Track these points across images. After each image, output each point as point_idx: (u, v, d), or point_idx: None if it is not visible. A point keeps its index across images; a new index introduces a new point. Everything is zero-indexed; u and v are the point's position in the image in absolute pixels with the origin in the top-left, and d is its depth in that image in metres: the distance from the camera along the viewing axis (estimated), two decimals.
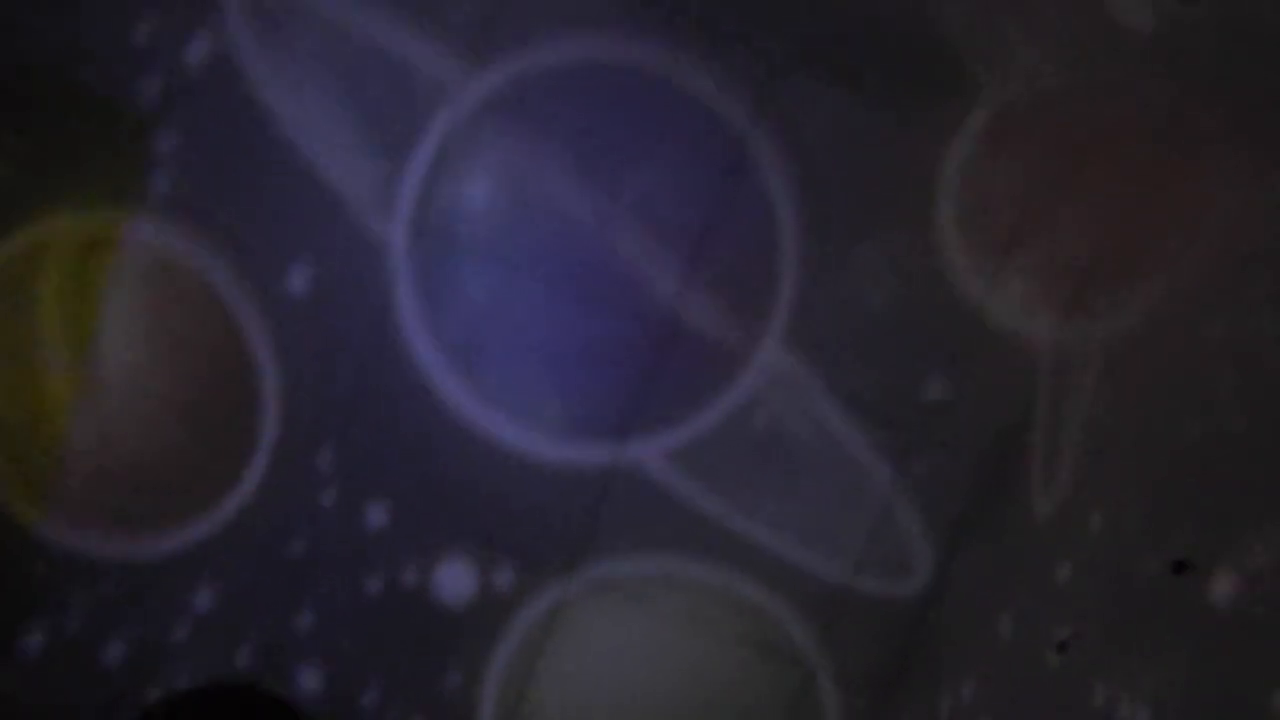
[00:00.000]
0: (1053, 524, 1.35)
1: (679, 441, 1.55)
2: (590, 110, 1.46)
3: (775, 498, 1.57)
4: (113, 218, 1.50)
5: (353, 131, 1.46)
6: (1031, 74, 1.45)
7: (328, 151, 1.47)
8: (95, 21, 1.41)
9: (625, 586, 1.59)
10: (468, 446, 1.55)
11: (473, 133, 1.47)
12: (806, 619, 1.59)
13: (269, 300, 1.52)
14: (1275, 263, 1.12)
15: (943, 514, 1.56)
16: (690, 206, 1.50)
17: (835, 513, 1.58)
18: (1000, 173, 1.50)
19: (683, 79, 1.44)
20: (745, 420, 1.54)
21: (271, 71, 1.42)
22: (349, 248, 1.50)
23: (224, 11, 1.38)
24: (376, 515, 1.58)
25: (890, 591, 1.59)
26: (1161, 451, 1.16)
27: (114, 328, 1.55)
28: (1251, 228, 1.20)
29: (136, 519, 1.62)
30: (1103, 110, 1.44)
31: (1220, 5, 1.30)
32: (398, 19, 1.42)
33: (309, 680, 1.65)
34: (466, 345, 1.53)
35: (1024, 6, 1.42)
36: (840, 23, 1.43)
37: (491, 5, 1.43)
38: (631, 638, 1.61)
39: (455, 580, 1.60)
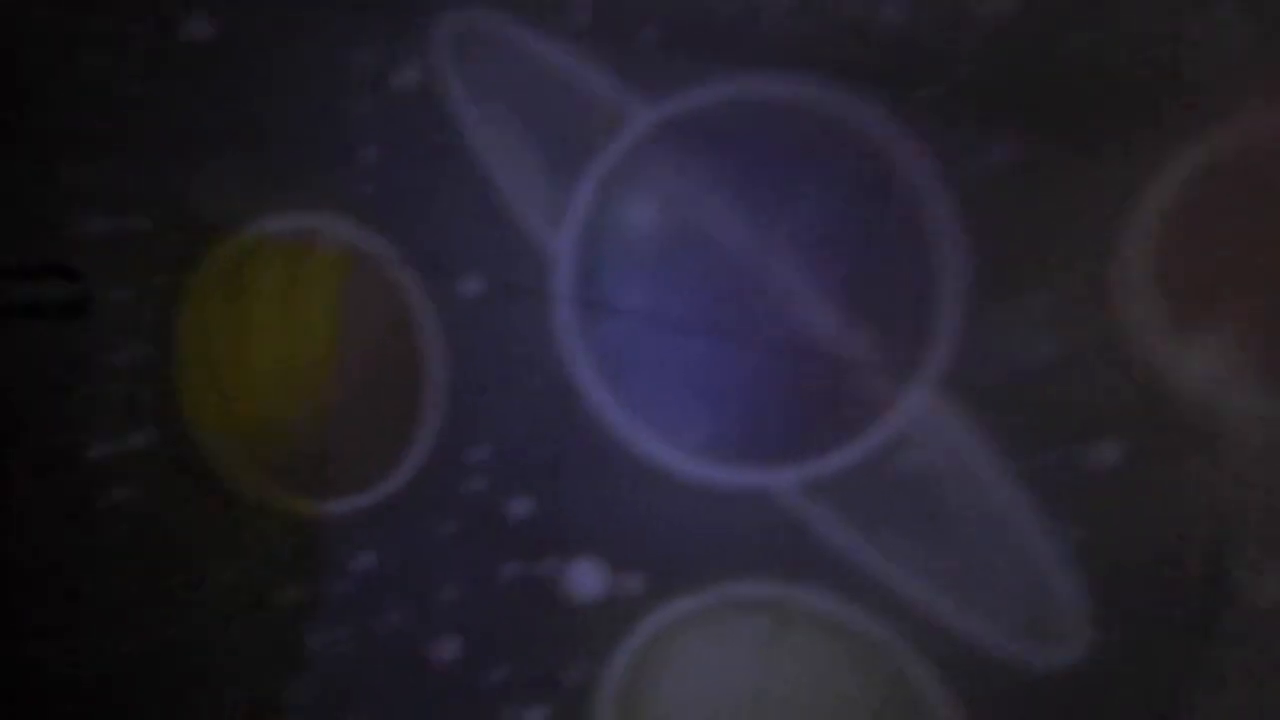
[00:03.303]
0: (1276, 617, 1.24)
1: (821, 473, 1.53)
2: (753, 147, 1.46)
3: (917, 543, 1.52)
4: (319, 220, 1.69)
5: (533, 153, 1.55)
6: (1258, 114, 1.31)
7: (509, 170, 1.57)
8: (319, 48, 1.59)
9: (751, 610, 1.60)
10: (610, 456, 1.61)
11: (641, 160, 1.51)
12: (940, 673, 1.54)
13: (443, 302, 1.65)
14: None
15: (1104, 587, 1.46)
16: (849, 243, 1.47)
17: (981, 569, 1.50)
18: (1204, 223, 1.36)
19: (846, 120, 1.42)
20: (891, 461, 1.50)
21: (467, 96, 1.53)
22: (519, 260, 1.59)
23: (431, 43, 1.51)
24: (519, 508, 1.68)
25: (1036, 661, 1.50)
26: None
27: (309, 313, 1.74)
28: None
29: (315, 486, 1.81)
30: None
31: None
32: (582, 52, 1.49)
33: (447, 650, 1.78)
34: (618, 360, 1.58)
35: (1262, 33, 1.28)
36: (1019, 59, 1.35)
37: (670, 44, 1.46)
38: (750, 660, 1.62)
39: (586, 579, 1.67)
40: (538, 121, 1.55)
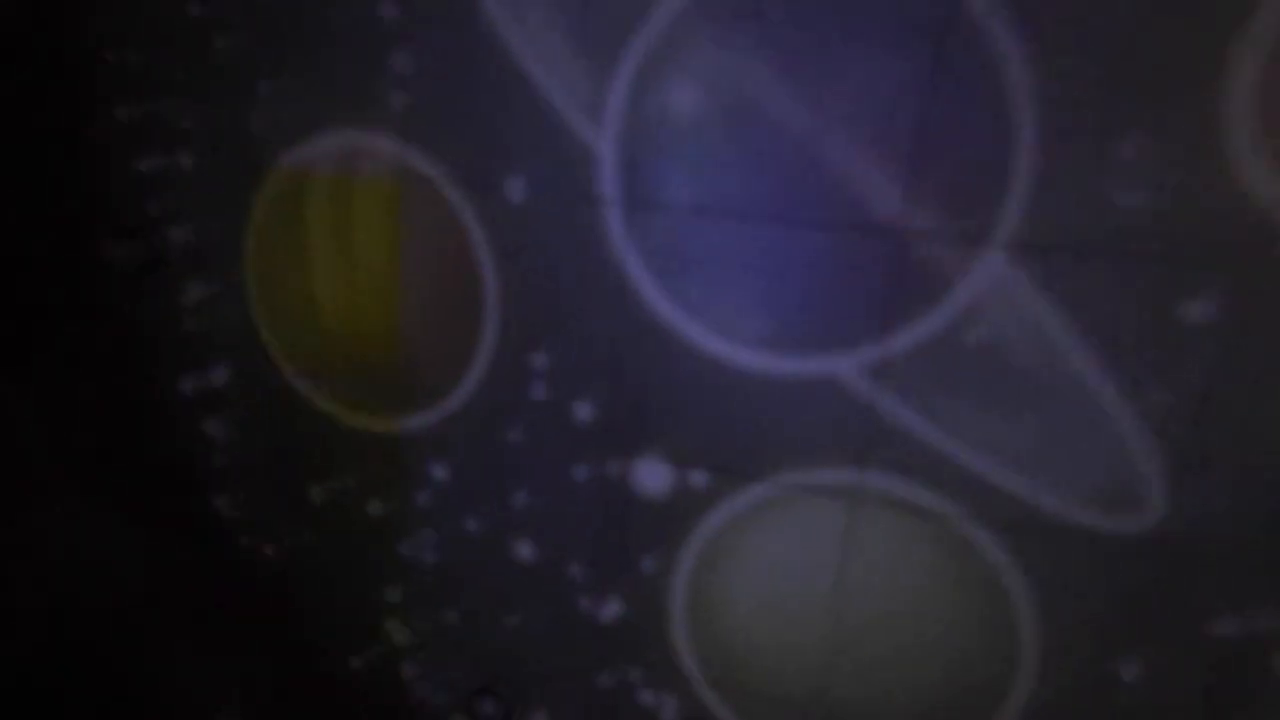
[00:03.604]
0: None
1: (885, 355, 1.48)
2: (795, 9, 1.36)
3: (987, 417, 1.46)
4: (363, 138, 1.69)
5: (565, 44, 1.49)
6: None
7: (544, 66, 1.52)
8: None
9: (819, 495, 1.59)
10: (669, 353, 1.60)
11: (679, 39, 1.43)
12: (1014, 550, 1.50)
13: (489, 209, 1.64)
14: None
15: (1182, 455, 1.38)
16: (906, 101, 1.36)
17: (1054, 439, 1.44)
18: None
19: None
20: (958, 336, 1.43)
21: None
22: (562, 158, 1.56)
23: None
24: (583, 411, 1.70)
25: (1114, 528, 1.45)
26: None
27: (365, 234, 1.76)
28: None
29: (387, 402, 1.88)
30: None
31: None
32: None
33: (523, 551, 1.86)
34: (671, 254, 1.55)
35: None
36: None
37: None
38: (822, 545, 1.62)
39: (653, 476, 1.69)
40: (566, 8, 1.48)
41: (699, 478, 1.66)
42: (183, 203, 1.91)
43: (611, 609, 1.84)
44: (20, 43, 1.85)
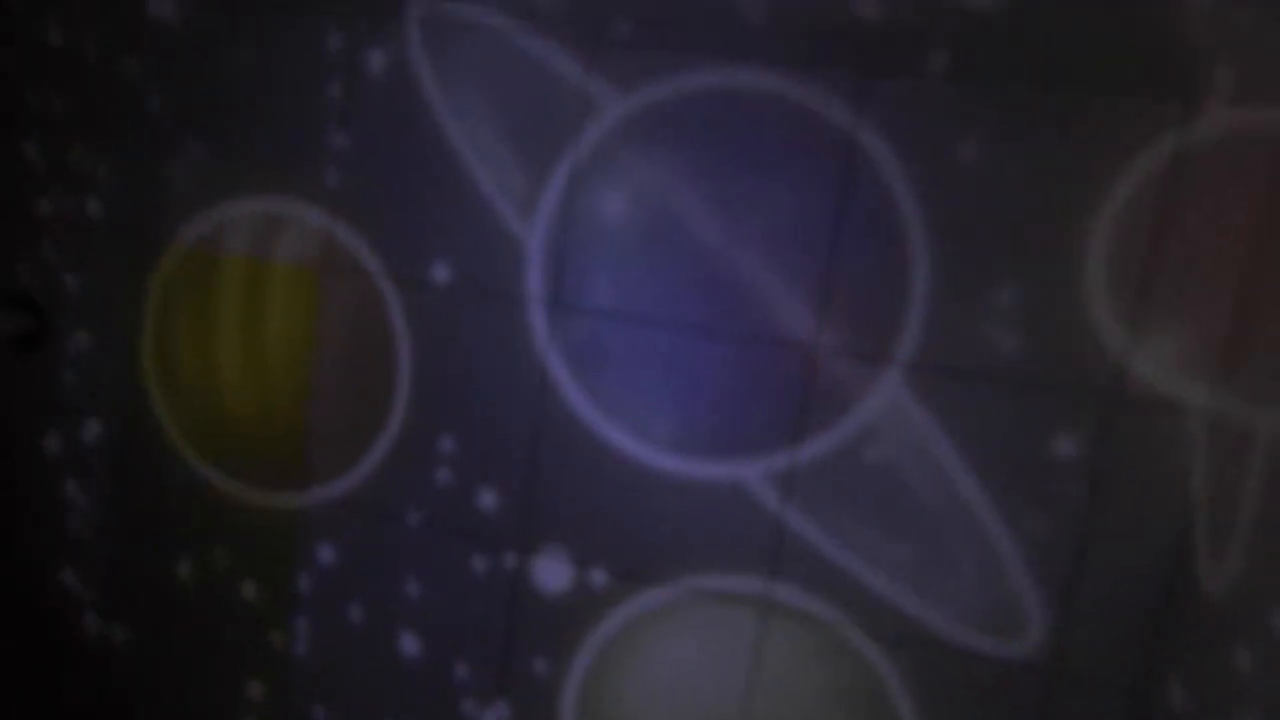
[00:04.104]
0: (1227, 607, 1.26)
1: (788, 466, 1.53)
2: (724, 139, 1.48)
3: (881, 536, 1.53)
4: (288, 208, 1.67)
5: (505, 140, 1.55)
6: (1246, 98, 1.34)
7: (481, 157, 1.57)
8: (292, 31, 1.59)
9: (718, 603, 1.59)
10: (578, 448, 1.60)
11: (614, 150, 1.52)
12: (901, 666, 1.54)
13: (412, 290, 1.64)
14: None
15: (1062, 579, 1.47)
16: (819, 234, 1.48)
17: (942, 559, 1.51)
18: (1173, 217, 1.39)
19: (817, 113, 1.44)
20: (857, 454, 1.51)
21: (439, 81, 1.53)
22: (490, 247, 1.59)
23: (403, 26, 1.51)
24: (487, 501, 1.67)
25: (995, 650, 1.51)
26: None
27: (278, 315, 1.71)
28: None
29: (280, 476, 1.78)
30: None
31: None
32: (557, 40, 1.50)
33: (408, 646, 1.76)
34: (589, 351, 1.58)
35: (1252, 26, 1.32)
36: (993, 55, 1.38)
37: (642, 36, 1.48)
38: (716, 653, 1.61)
39: (552, 572, 1.65)
40: (510, 110, 1.55)
41: (598, 577, 1.63)
42: (83, 250, 1.81)
43: (497, 713, 1.74)
44: None
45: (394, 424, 1.69)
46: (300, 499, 1.77)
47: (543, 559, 1.66)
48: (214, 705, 1.90)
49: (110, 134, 1.76)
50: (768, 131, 1.47)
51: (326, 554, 1.79)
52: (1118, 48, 1.35)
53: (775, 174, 1.48)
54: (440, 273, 1.62)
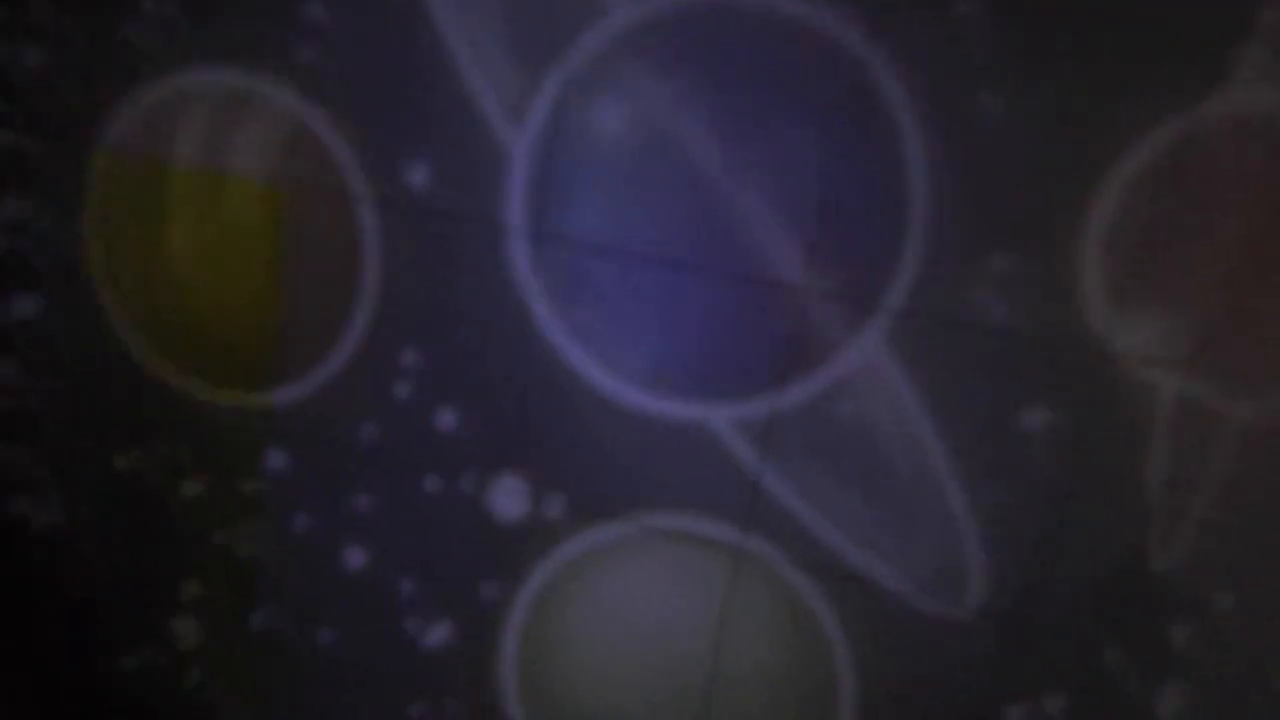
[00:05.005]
0: (1171, 584, 1.30)
1: (759, 413, 1.50)
2: (732, 61, 1.39)
3: (841, 490, 1.52)
4: (256, 84, 1.54)
5: (500, 37, 1.44)
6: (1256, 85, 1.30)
7: (471, 52, 1.46)
8: None
9: (673, 541, 1.58)
10: (547, 374, 1.55)
11: (616, 59, 1.42)
12: (846, 617, 1.55)
13: (384, 189, 1.54)
14: None
15: (1012, 548, 1.49)
16: (819, 179, 1.42)
17: (900, 520, 1.52)
18: (1171, 198, 1.36)
19: (834, 42, 1.36)
20: (829, 407, 1.49)
21: None
22: (473, 151, 1.49)
23: None
24: (446, 419, 1.61)
25: (941, 610, 1.53)
26: None
27: (238, 191, 1.60)
28: None
29: (231, 372, 1.70)
30: None
31: None
32: None
33: (353, 558, 1.72)
34: (568, 274, 1.51)
35: None
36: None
37: None
38: (669, 591, 1.61)
39: (509, 498, 1.62)
40: (509, 3, 1.43)
41: (555, 506, 1.61)
42: (22, 103, 1.66)
43: (439, 634, 1.73)
44: None
45: (355, 334, 1.62)
46: (253, 400, 1.70)
47: (500, 483, 1.62)
48: (149, 600, 1.86)
49: None
50: (779, 58, 1.39)
51: (277, 459, 1.72)
52: (1159, 17, 1.29)
53: (782, 104, 1.40)
54: (417, 173, 1.52)
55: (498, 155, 1.49)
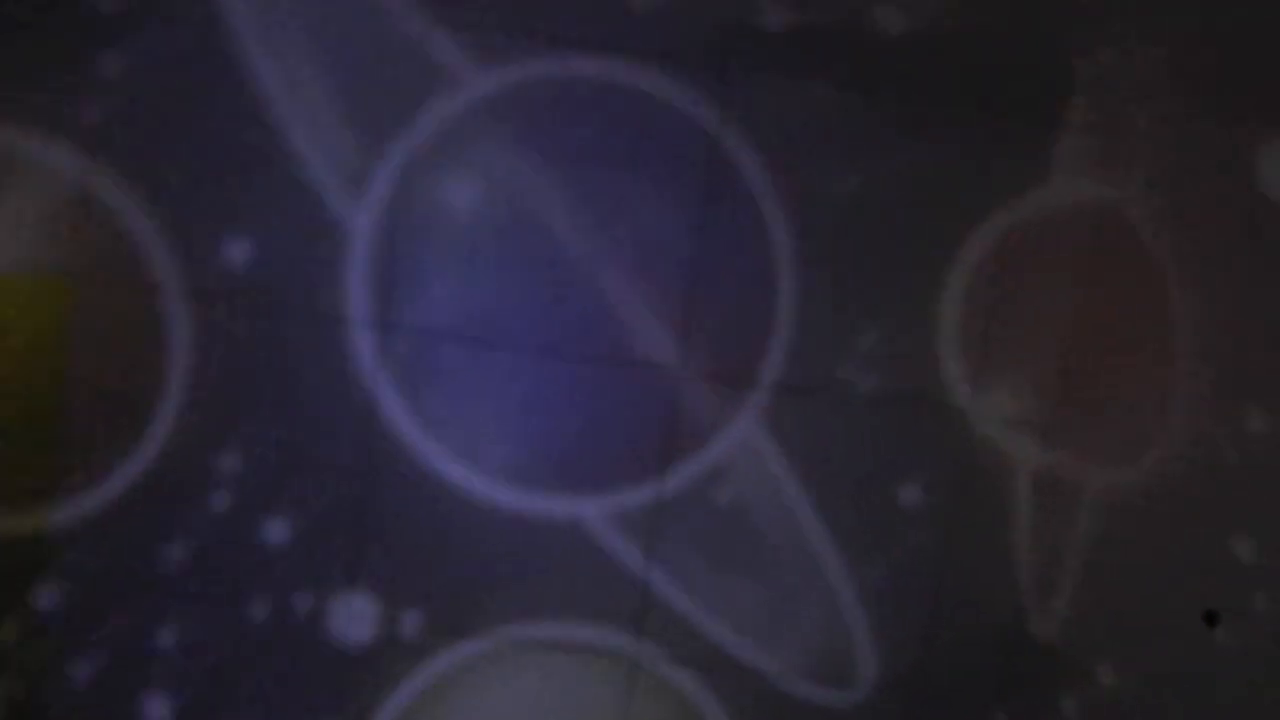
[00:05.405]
0: (1054, 654, 1.31)
1: (632, 504, 1.43)
2: (587, 131, 1.35)
3: (722, 579, 1.47)
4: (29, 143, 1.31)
5: (335, 100, 1.31)
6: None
7: (300, 114, 1.31)
8: None
9: (543, 651, 1.45)
10: (395, 474, 1.40)
11: (466, 130, 1.34)
12: (731, 713, 1.47)
13: (196, 269, 1.35)
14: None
15: (897, 625, 1.48)
16: (681, 256, 1.41)
17: (783, 606, 1.48)
18: (1010, 280, 1.45)
19: (696, 123, 1.35)
20: (707, 492, 1.44)
21: (254, 12, 1.26)
22: (302, 227, 1.34)
23: None
24: (276, 532, 1.41)
25: (826, 700, 1.49)
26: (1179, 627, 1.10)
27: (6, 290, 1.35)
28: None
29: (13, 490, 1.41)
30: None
31: None
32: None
33: (155, 709, 1.44)
34: (416, 361, 1.38)
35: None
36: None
37: (512, 13, 1.31)
38: (542, 706, 1.47)
39: (353, 620, 1.44)
40: (347, 66, 1.31)
41: (410, 623, 1.42)
42: None
43: None
44: None
45: (156, 432, 1.39)
46: (21, 523, 1.40)
47: (342, 603, 1.42)
48: None
49: None
50: (637, 132, 1.37)
51: (46, 598, 1.42)
52: (1011, 87, 1.38)
53: (641, 180, 1.38)
54: (236, 250, 1.34)
55: (333, 232, 1.35)
